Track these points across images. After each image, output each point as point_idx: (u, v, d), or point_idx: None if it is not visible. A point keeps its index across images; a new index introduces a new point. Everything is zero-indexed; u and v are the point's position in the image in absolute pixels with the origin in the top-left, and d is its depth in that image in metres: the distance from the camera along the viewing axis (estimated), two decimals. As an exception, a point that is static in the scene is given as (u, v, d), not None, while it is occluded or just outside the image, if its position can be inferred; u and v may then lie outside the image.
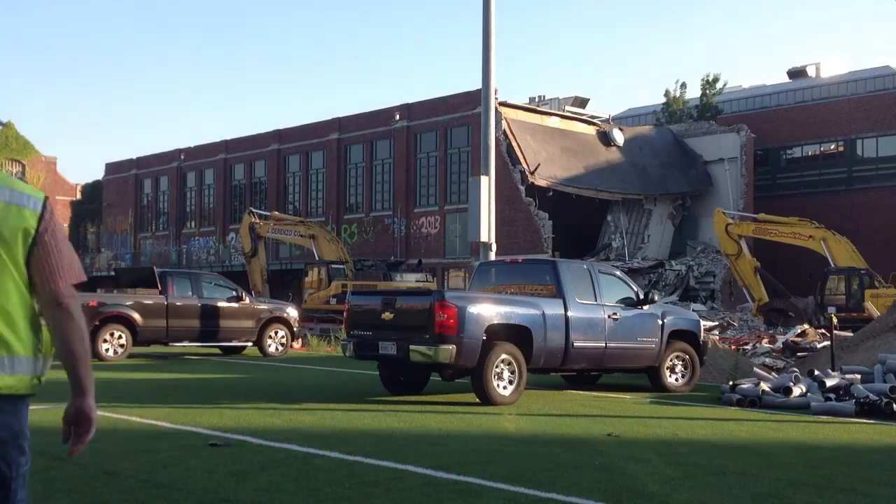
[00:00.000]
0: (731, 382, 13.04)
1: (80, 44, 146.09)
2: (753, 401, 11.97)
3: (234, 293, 21.74)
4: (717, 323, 29.52)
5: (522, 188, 40.94)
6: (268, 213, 39.83)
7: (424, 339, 11.28)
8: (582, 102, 56.13)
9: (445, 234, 43.56)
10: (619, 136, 46.63)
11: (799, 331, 21.36)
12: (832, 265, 34.88)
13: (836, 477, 7.08)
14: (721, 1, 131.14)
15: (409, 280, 33.77)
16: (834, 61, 63.78)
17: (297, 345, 24.38)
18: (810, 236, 35.95)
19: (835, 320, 16.37)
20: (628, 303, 13.47)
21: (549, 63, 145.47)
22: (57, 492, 6.08)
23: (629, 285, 13.95)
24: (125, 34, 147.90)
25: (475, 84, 25.86)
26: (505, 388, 11.65)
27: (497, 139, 36.99)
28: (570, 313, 12.39)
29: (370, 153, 47.80)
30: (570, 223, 42.85)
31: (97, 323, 19.15)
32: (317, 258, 36.96)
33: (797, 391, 11.95)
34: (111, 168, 65.71)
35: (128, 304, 19.82)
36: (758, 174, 56.36)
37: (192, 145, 59.16)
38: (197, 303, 20.77)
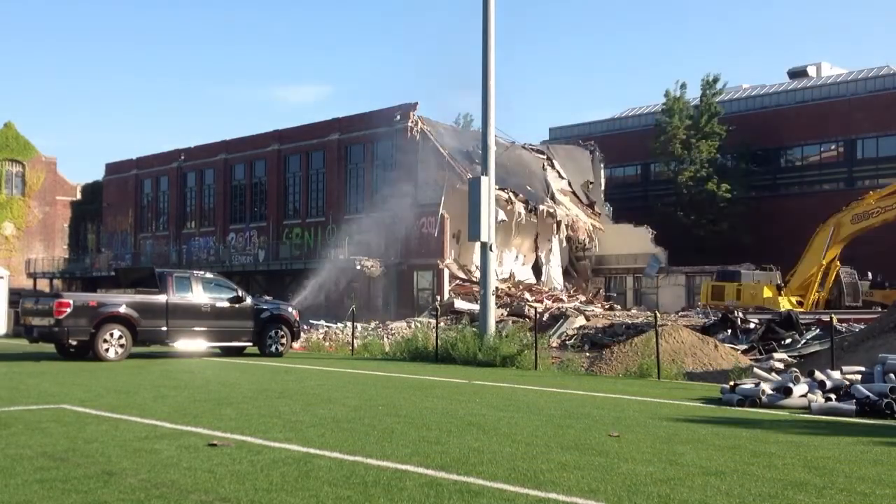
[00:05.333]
0: (731, 382, 13.04)
1: (80, 44, 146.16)
2: (753, 401, 11.97)
3: (234, 293, 21.73)
4: None
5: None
6: None
7: None
8: None
9: (446, 235, 43.53)
10: None
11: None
12: None
13: (836, 477, 7.08)
14: (721, 1, 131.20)
15: None
16: (834, 61, 63.68)
17: (296, 345, 24.39)
18: None
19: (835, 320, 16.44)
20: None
21: (549, 62, 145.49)
22: (57, 492, 6.09)
23: None
24: (126, 34, 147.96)
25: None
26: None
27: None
28: None
29: (370, 153, 47.80)
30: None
31: (97, 323, 19.16)
32: None
33: (797, 391, 11.95)
34: (111, 168, 65.68)
35: (128, 303, 19.81)
36: (758, 174, 56.37)
37: (192, 145, 59.13)
38: (197, 303, 20.76)
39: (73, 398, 11.56)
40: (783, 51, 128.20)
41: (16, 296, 29.90)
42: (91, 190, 70.41)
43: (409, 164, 44.87)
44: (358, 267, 42.15)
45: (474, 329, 21.55)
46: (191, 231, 58.48)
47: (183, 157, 59.13)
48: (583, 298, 42.87)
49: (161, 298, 20.26)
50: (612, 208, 54.17)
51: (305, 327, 30.47)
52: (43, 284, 62.46)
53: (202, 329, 20.79)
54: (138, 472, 6.80)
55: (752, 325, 28.98)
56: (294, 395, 12.45)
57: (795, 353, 21.06)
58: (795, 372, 13.44)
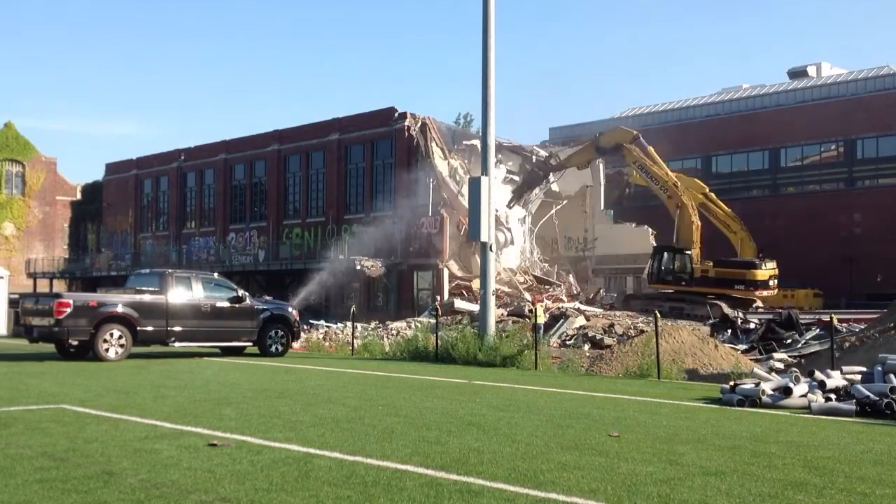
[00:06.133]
0: (731, 382, 13.04)
1: (81, 44, 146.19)
2: (754, 401, 11.97)
3: (234, 293, 21.72)
4: None
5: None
6: None
7: None
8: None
9: (445, 235, 43.55)
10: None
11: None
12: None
13: (836, 477, 7.08)
14: (721, 1, 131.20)
15: None
16: (834, 61, 63.64)
17: (296, 345, 24.37)
18: (734, 231, 42.35)
19: (835, 320, 16.49)
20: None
21: (549, 61, 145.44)
22: (57, 492, 6.09)
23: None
24: (126, 34, 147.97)
25: (476, 86, 25.91)
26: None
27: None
28: None
29: (370, 153, 47.80)
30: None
31: (97, 323, 19.14)
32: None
33: (797, 391, 11.95)
34: (111, 168, 65.68)
35: (128, 303, 19.80)
36: (758, 174, 56.39)
37: (192, 145, 59.12)
38: (197, 303, 20.75)
39: (73, 398, 11.56)
40: (783, 51, 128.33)
41: (16, 296, 29.90)
42: (91, 190, 70.42)
43: (408, 163, 44.88)
44: (358, 267, 42.13)
45: (474, 329, 21.55)
46: (191, 231, 58.47)
47: (183, 157, 59.11)
48: (583, 298, 42.87)
49: (161, 298, 20.25)
50: (612, 210, 54.17)
51: (305, 327, 30.48)
52: (43, 284, 62.44)
53: (202, 329, 20.78)
54: (138, 472, 6.80)
55: (752, 325, 29.03)
56: (294, 395, 12.45)
57: (795, 353, 21.07)
58: (795, 372, 13.44)
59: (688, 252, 39.09)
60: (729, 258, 39.81)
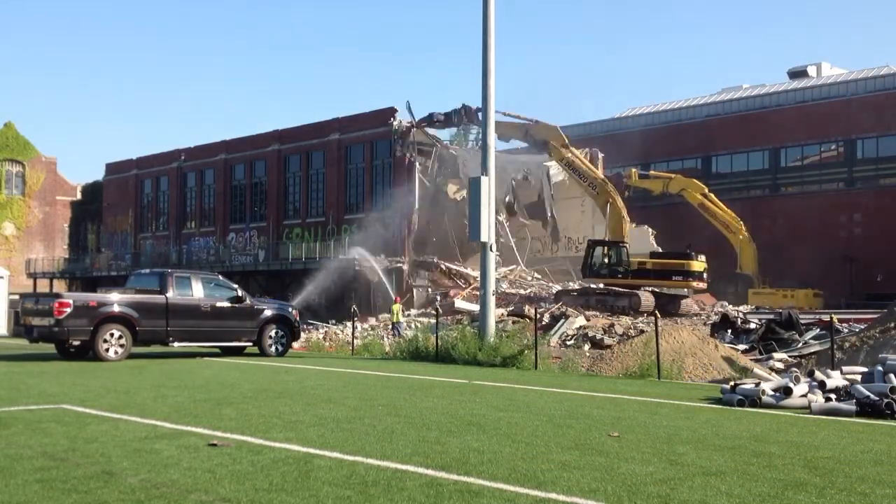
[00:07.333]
0: (731, 382, 13.04)
1: (81, 44, 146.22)
2: (753, 401, 11.96)
3: (234, 293, 21.71)
4: None
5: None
6: None
7: None
8: None
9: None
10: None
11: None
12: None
13: (836, 477, 7.07)
14: (722, 1, 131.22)
15: None
16: (834, 61, 63.66)
17: (296, 345, 24.37)
18: (733, 232, 43.65)
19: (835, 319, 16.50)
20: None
21: (550, 60, 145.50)
22: (57, 492, 6.09)
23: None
24: (126, 35, 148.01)
25: (476, 87, 25.91)
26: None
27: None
28: None
29: (370, 153, 47.83)
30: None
31: (97, 323, 19.13)
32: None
33: (797, 391, 11.94)
34: (111, 168, 65.72)
35: (128, 304, 19.78)
36: (758, 174, 56.36)
37: (192, 145, 59.17)
38: (197, 303, 20.74)
39: (73, 398, 11.56)
40: (783, 51, 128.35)
41: (16, 296, 29.88)
42: (91, 190, 70.49)
43: (407, 163, 44.90)
44: (357, 267, 42.15)
45: (474, 329, 21.55)
46: (191, 231, 58.50)
47: (183, 157, 59.15)
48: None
49: (161, 298, 20.24)
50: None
51: (305, 327, 30.48)
52: (43, 284, 62.46)
53: (202, 329, 20.77)
54: (138, 472, 6.80)
55: (752, 325, 29.03)
56: (294, 395, 12.44)
57: (795, 353, 21.06)
58: (795, 372, 13.43)
59: (623, 245, 39.05)
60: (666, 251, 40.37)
